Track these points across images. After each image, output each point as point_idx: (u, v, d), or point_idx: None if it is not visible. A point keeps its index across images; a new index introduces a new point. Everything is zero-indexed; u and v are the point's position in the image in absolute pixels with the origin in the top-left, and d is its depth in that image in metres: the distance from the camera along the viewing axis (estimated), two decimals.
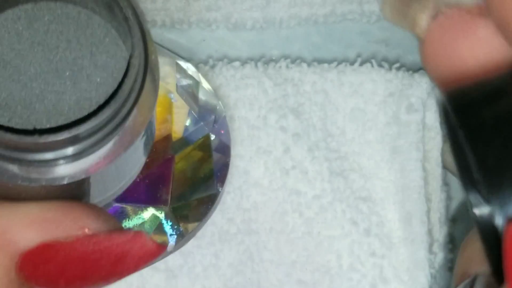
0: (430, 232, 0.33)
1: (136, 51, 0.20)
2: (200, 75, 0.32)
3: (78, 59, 0.20)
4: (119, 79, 0.20)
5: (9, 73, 0.20)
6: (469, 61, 0.21)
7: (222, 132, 0.31)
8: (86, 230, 0.20)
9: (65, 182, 0.20)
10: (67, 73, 0.20)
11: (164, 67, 0.31)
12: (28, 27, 0.20)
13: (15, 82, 0.20)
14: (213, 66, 0.33)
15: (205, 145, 0.31)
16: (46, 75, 0.20)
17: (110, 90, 0.20)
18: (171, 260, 0.32)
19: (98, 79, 0.20)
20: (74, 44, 0.20)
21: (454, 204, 0.34)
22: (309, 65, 0.34)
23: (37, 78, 0.20)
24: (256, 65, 0.33)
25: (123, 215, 0.30)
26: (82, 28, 0.20)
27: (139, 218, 0.30)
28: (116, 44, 0.21)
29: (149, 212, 0.30)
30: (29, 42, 0.20)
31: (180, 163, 0.31)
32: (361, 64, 0.34)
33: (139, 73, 0.20)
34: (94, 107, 0.20)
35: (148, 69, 0.20)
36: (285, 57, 0.34)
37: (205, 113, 0.31)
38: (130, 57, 0.20)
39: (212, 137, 0.31)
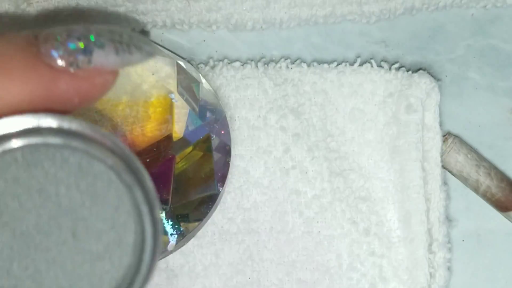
0: (429, 231, 0.33)
1: (148, 232, 0.19)
2: (200, 75, 0.32)
3: (78, 207, 0.19)
4: (127, 242, 0.19)
5: (5, 221, 0.18)
6: None
7: (223, 132, 0.31)
8: None
9: None
10: (68, 224, 0.19)
11: (165, 68, 0.31)
12: (26, 171, 0.18)
13: (11, 232, 0.18)
14: (213, 67, 0.33)
15: (205, 145, 0.31)
16: (45, 225, 0.19)
17: (123, 260, 0.19)
18: (171, 260, 0.32)
19: (102, 235, 0.19)
20: (74, 192, 0.19)
21: (453, 204, 0.34)
22: (309, 65, 0.34)
23: (35, 229, 0.18)
24: (256, 66, 0.33)
25: None
26: (83, 175, 0.19)
27: None
28: (118, 195, 0.19)
29: None
30: (27, 188, 0.19)
31: (180, 163, 0.31)
32: (361, 64, 0.34)
33: (153, 253, 0.19)
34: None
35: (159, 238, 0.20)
36: (285, 57, 0.34)
37: (206, 113, 0.31)
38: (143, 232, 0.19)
39: (213, 137, 0.31)
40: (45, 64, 0.19)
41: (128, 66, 0.20)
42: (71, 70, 0.19)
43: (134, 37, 0.20)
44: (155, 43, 0.33)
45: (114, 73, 0.20)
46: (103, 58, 0.19)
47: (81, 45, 0.19)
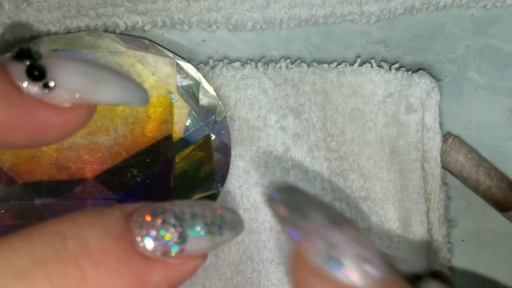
0: (429, 231, 0.33)
1: None
2: (200, 75, 0.32)
3: None
4: None
5: None
6: None
7: (223, 132, 0.31)
8: None
9: None
10: None
11: (165, 68, 0.31)
12: None
13: None
14: (213, 67, 0.33)
15: (205, 145, 0.31)
16: None
17: None
18: None
19: None
20: None
21: (453, 204, 0.34)
22: (309, 65, 0.34)
23: None
24: (256, 66, 0.33)
25: None
26: None
27: None
28: None
29: None
30: None
31: (180, 163, 0.31)
32: (361, 64, 0.34)
33: None
34: None
35: None
36: (285, 57, 0.34)
37: (206, 114, 0.31)
38: None
39: (213, 137, 0.31)
40: (138, 253, 0.18)
41: (217, 247, 0.19)
42: (164, 259, 0.18)
43: (225, 215, 0.19)
44: (155, 43, 0.33)
45: (204, 256, 0.19)
46: (196, 245, 0.19)
47: (175, 234, 0.18)
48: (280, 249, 0.33)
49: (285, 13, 0.33)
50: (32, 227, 0.17)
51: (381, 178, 0.33)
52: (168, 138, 0.31)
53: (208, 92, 0.32)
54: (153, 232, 0.18)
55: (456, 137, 0.34)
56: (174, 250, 0.18)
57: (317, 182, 0.33)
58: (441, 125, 0.33)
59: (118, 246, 0.18)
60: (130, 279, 0.18)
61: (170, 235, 0.18)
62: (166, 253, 0.18)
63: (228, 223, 0.19)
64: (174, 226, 0.18)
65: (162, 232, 0.18)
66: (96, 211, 0.18)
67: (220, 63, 0.33)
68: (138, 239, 0.18)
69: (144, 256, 0.18)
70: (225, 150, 0.31)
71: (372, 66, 0.34)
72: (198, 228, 0.19)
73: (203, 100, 0.31)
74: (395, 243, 0.33)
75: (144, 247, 0.18)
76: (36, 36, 0.33)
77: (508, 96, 0.34)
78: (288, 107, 0.33)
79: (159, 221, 0.18)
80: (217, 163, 0.31)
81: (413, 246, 0.33)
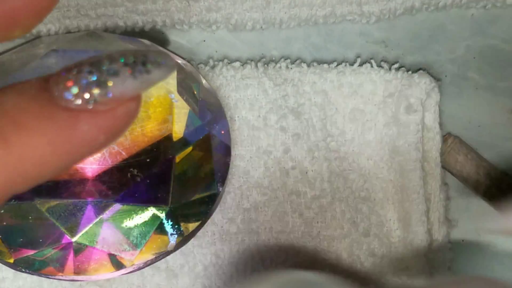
0: (429, 231, 0.33)
1: None
2: (200, 75, 0.32)
3: None
4: None
5: None
6: None
7: (223, 132, 0.31)
8: None
9: None
10: None
11: None
12: None
13: None
14: (213, 67, 0.33)
15: (205, 145, 0.31)
16: None
17: None
18: (172, 260, 0.32)
19: None
20: None
21: (453, 204, 0.34)
22: (309, 65, 0.34)
23: None
24: (256, 66, 0.33)
25: (124, 214, 0.30)
26: None
27: (140, 218, 0.30)
28: None
29: (150, 212, 0.30)
30: None
31: (180, 163, 0.31)
32: (361, 64, 0.34)
33: None
34: None
35: None
36: (285, 57, 0.34)
37: (206, 113, 0.31)
38: None
39: (213, 137, 0.31)
40: (61, 108, 0.18)
41: (150, 86, 0.19)
42: (90, 107, 0.18)
43: (149, 54, 0.19)
44: (155, 43, 0.33)
45: (137, 99, 0.19)
46: (120, 85, 0.18)
47: (94, 78, 0.18)
48: (280, 249, 0.33)
49: (285, 13, 0.33)
50: None
51: (381, 178, 0.33)
52: (168, 138, 0.31)
53: (208, 92, 0.32)
54: (70, 83, 0.18)
55: (456, 137, 0.34)
56: (96, 94, 0.18)
57: (317, 182, 0.33)
58: (441, 125, 0.33)
59: (35, 105, 0.18)
60: (54, 133, 0.18)
61: (87, 80, 0.18)
62: (89, 100, 0.18)
63: (154, 60, 0.19)
64: (90, 72, 0.18)
65: (81, 81, 0.18)
66: (12, 85, 0.19)
67: (220, 63, 0.33)
68: (57, 93, 0.18)
69: (67, 109, 0.18)
70: (225, 150, 0.31)
71: (372, 66, 0.34)
72: (116, 67, 0.18)
73: (203, 100, 0.31)
74: (395, 243, 0.33)
75: (64, 99, 0.18)
76: (36, 36, 0.33)
77: (508, 96, 0.34)
78: (288, 107, 0.33)
79: (75, 71, 0.18)
80: (217, 163, 0.31)
81: (413, 246, 0.33)
